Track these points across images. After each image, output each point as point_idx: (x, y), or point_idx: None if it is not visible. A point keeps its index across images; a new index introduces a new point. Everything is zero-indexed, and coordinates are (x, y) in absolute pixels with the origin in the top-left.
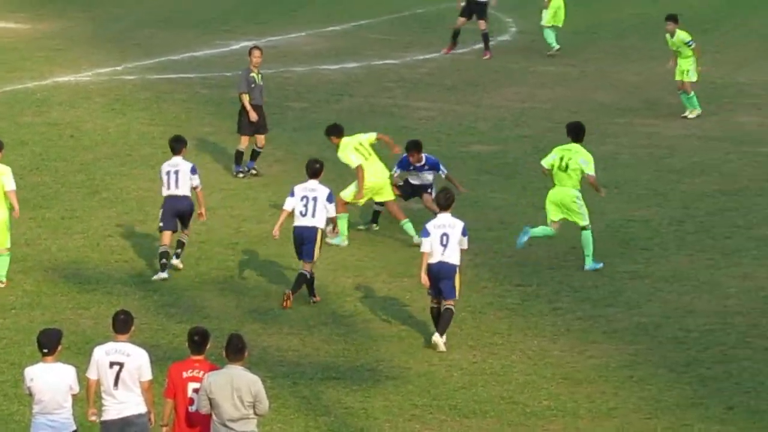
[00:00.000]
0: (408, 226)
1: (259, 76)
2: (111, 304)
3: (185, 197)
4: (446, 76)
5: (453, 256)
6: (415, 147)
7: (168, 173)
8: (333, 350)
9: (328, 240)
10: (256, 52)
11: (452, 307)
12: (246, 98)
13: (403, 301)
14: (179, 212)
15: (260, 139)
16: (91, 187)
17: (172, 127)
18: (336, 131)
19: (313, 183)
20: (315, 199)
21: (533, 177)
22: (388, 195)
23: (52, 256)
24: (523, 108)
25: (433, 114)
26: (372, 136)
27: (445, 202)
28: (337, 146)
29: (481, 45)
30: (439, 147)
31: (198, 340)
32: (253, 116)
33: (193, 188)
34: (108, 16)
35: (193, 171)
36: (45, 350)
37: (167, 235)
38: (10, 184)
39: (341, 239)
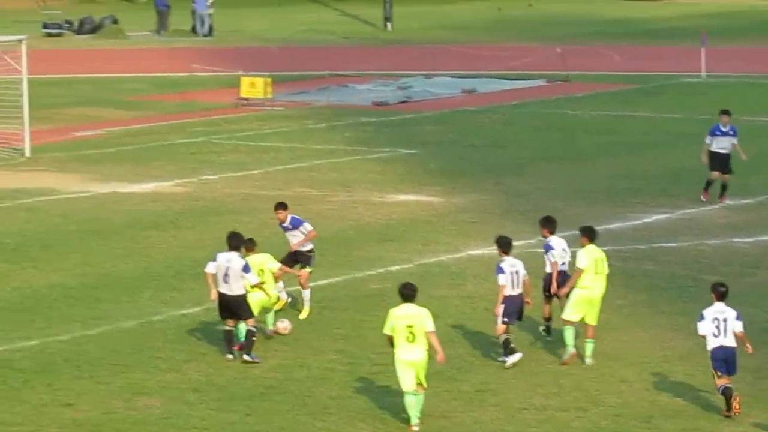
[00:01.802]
0: (570, 333)
1: None
2: None
3: (520, 294)
4: None
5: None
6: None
7: (511, 273)
8: None
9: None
10: None
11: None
12: None
13: None
14: (518, 308)
15: None
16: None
17: None
18: (591, 233)
19: (720, 306)
20: (725, 320)
21: None
22: (593, 318)
23: (467, 429)
24: None
25: None
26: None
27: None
28: (583, 246)
29: None
30: None
31: None
32: None
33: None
34: (520, 188)
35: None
36: None
37: (504, 328)
38: (430, 325)
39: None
